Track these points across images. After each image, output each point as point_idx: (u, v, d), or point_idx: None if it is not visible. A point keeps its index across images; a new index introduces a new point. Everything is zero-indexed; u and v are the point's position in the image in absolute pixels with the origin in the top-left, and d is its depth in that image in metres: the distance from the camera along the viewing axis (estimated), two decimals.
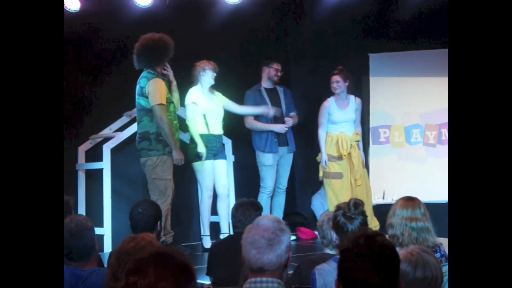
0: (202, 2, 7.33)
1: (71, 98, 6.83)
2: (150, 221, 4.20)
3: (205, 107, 6.57)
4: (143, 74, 6.09)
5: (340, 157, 6.90)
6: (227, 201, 6.67)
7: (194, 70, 6.62)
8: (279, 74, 7.12)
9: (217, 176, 6.61)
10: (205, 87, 6.61)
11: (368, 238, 2.19)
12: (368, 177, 7.18)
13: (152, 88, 5.95)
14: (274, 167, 7.10)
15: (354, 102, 7.04)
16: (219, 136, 6.67)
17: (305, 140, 7.80)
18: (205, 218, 6.57)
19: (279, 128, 7.02)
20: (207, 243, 6.53)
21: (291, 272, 4.07)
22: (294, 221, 7.41)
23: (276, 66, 7.11)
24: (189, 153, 6.52)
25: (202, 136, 6.51)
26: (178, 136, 6.23)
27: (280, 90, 7.20)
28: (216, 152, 6.61)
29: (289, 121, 7.08)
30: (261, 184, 7.10)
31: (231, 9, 7.26)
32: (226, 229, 6.65)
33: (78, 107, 6.99)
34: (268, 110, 6.92)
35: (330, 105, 7.00)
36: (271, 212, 7.05)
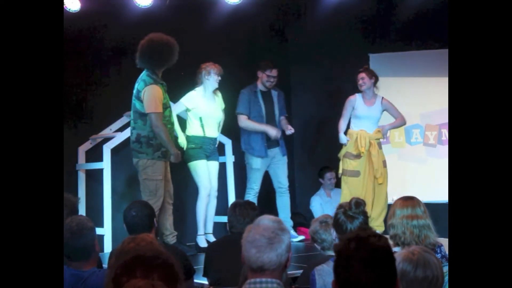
0: (202, 2, 7.34)
1: (71, 98, 6.83)
2: (145, 221, 4.20)
3: (203, 110, 6.58)
4: (142, 76, 6.01)
5: (358, 155, 6.88)
6: (214, 202, 6.71)
7: (199, 72, 6.59)
8: (271, 80, 6.95)
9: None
10: (207, 91, 6.62)
11: (359, 240, 2.20)
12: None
13: (147, 95, 5.88)
14: (262, 170, 7.07)
15: (380, 102, 6.98)
16: (213, 139, 6.69)
17: (306, 140, 7.80)
18: (201, 217, 6.59)
19: (274, 133, 6.90)
20: (203, 242, 6.56)
21: (291, 272, 4.07)
22: (294, 221, 7.40)
23: (269, 73, 6.91)
24: (184, 154, 6.53)
25: (197, 137, 6.57)
26: (173, 140, 6.23)
27: (274, 94, 7.10)
28: (209, 154, 6.64)
29: (291, 131, 7.02)
30: (247, 185, 7.08)
31: (231, 9, 7.26)
32: (210, 230, 6.72)
33: (78, 107, 6.99)
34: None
35: (356, 99, 6.98)
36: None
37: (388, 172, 6.99)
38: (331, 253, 3.99)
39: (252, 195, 7.01)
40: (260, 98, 7.02)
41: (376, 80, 6.95)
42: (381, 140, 7.11)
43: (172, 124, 6.23)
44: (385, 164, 6.97)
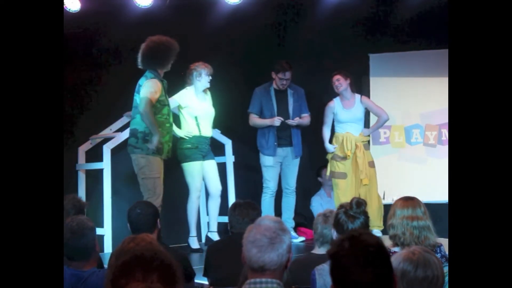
0: (202, 2, 7.34)
1: (71, 98, 6.83)
2: (150, 220, 4.21)
3: (197, 109, 6.60)
4: (145, 73, 6.09)
5: (344, 157, 6.93)
6: (218, 201, 6.73)
7: (189, 72, 6.61)
8: (284, 83, 6.95)
9: (208, 177, 6.66)
10: (199, 90, 6.63)
11: (352, 239, 2.21)
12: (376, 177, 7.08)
13: (145, 86, 5.95)
14: (276, 168, 7.06)
15: (360, 101, 7.03)
16: (208, 138, 6.70)
17: (304, 140, 7.78)
18: (193, 219, 6.60)
19: (275, 121, 6.87)
20: (195, 243, 6.57)
21: None
22: (295, 222, 7.40)
23: (282, 75, 6.90)
24: (178, 154, 6.53)
25: (193, 137, 6.57)
26: (171, 139, 6.20)
27: (290, 92, 7.07)
28: (205, 154, 6.64)
29: (293, 122, 6.99)
30: (264, 185, 7.10)
31: (231, 9, 7.26)
32: (215, 228, 6.71)
33: (78, 107, 7.00)
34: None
35: (334, 105, 7.05)
36: (275, 213, 7.02)
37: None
38: (323, 248, 3.97)
39: (268, 195, 7.04)
40: (273, 96, 7.03)
41: (352, 79, 6.99)
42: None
43: (171, 123, 6.24)
44: (373, 165, 7.01)
